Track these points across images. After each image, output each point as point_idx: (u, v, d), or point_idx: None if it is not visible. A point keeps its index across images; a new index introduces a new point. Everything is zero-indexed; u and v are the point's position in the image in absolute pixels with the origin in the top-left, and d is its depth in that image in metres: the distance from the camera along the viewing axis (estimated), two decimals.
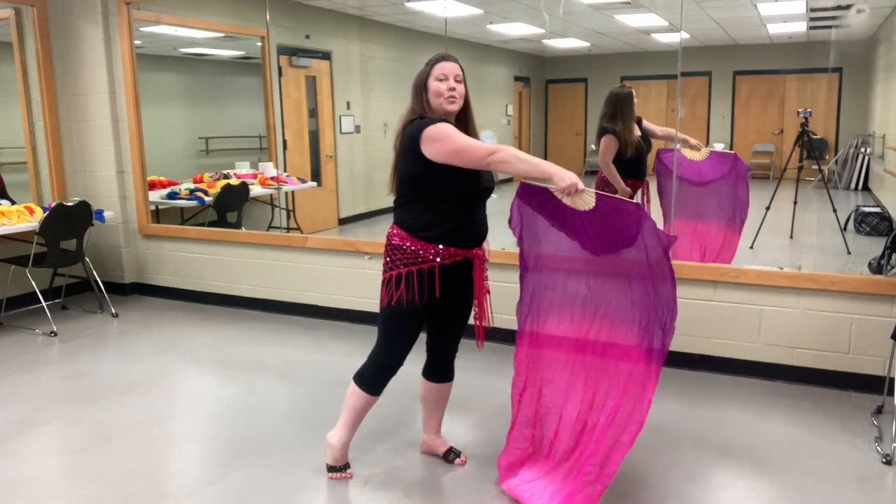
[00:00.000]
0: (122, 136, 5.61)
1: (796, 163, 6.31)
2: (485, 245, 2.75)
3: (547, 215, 2.62)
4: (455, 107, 2.62)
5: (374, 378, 2.77)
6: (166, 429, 3.39)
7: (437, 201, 2.59)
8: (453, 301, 2.74)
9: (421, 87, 2.63)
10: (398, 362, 2.75)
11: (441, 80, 2.59)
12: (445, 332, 2.84)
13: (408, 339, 2.72)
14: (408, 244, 2.62)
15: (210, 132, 7.33)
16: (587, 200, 2.47)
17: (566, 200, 2.51)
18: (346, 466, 2.89)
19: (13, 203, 5.20)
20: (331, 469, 2.89)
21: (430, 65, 2.63)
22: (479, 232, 2.69)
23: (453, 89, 2.59)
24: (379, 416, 3.30)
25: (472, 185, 2.58)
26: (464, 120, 2.69)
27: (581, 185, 2.41)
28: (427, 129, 2.50)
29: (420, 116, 2.59)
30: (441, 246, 2.60)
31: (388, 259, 2.68)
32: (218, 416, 3.51)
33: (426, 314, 2.71)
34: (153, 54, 6.85)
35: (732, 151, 4.64)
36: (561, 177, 2.40)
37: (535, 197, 2.61)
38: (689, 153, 4.51)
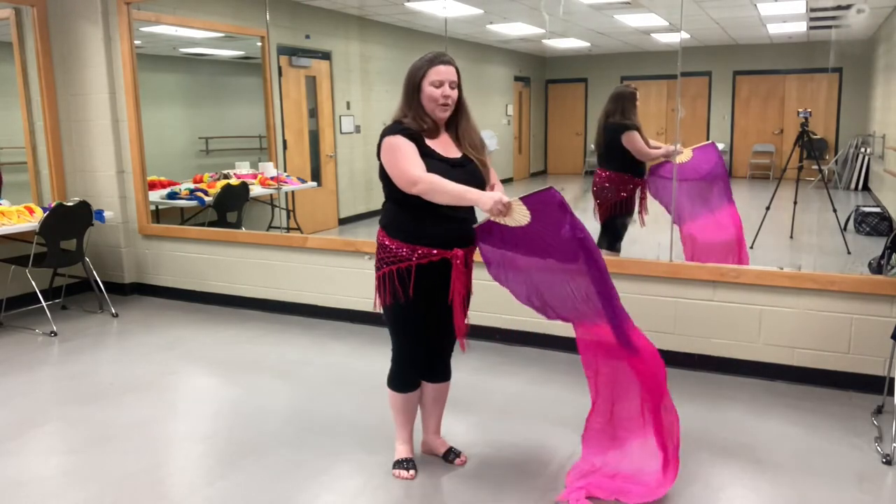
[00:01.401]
0: (122, 136, 5.61)
1: (796, 163, 6.31)
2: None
3: (512, 247, 2.61)
4: (447, 114, 2.63)
5: (393, 375, 2.85)
6: (166, 429, 3.39)
7: (410, 203, 2.58)
8: (443, 300, 2.70)
9: (415, 88, 2.61)
10: (409, 356, 2.79)
11: (437, 87, 2.58)
12: (439, 332, 2.83)
13: (408, 335, 2.76)
14: (387, 243, 2.66)
15: (210, 132, 7.33)
16: (524, 212, 2.46)
17: (508, 222, 2.50)
18: (408, 465, 2.89)
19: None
20: (393, 465, 2.92)
21: (427, 65, 2.59)
22: (458, 233, 2.63)
23: (448, 97, 2.59)
24: (379, 415, 3.30)
25: None
26: (453, 123, 2.69)
27: (506, 199, 2.43)
28: (385, 138, 2.57)
29: (400, 119, 2.62)
30: (416, 246, 2.60)
31: (377, 259, 2.72)
32: (218, 416, 3.51)
33: (419, 311, 2.70)
34: (153, 54, 6.85)
35: (709, 142, 4.68)
36: (483, 202, 2.42)
37: (491, 236, 2.61)
38: (676, 159, 4.56)
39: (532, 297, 2.73)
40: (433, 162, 2.57)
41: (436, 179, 2.48)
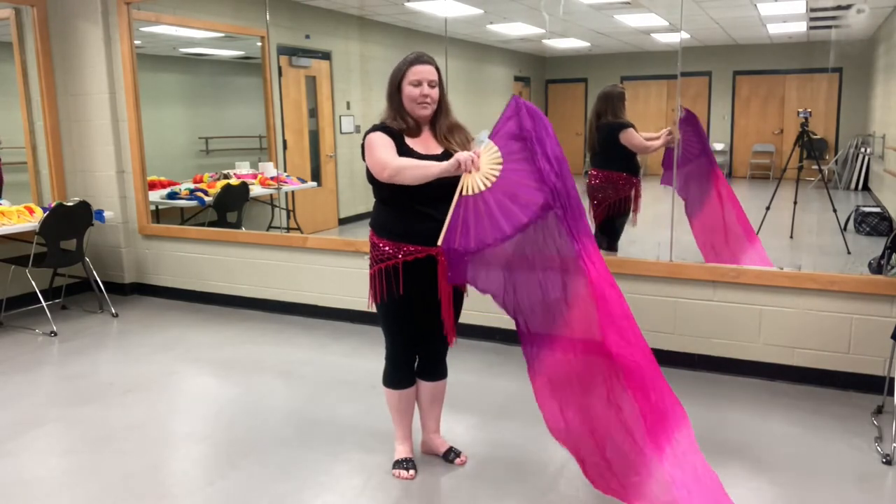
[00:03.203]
0: (122, 136, 5.61)
1: (796, 163, 6.30)
2: None
3: (478, 246, 2.54)
4: (427, 112, 2.66)
5: (387, 372, 2.88)
6: (166, 429, 3.39)
7: (393, 201, 2.65)
8: (433, 298, 2.70)
9: (395, 89, 2.68)
10: (401, 354, 2.83)
11: (415, 86, 2.63)
12: (432, 330, 2.82)
13: (399, 333, 2.79)
14: (375, 241, 2.71)
15: (210, 132, 7.33)
16: (494, 157, 2.47)
17: (478, 180, 2.46)
18: (408, 465, 2.89)
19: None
20: (393, 465, 2.93)
21: (406, 66, 2.66)
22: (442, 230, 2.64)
23: (426, 95, 2.63)
24: (378, 415, 3.30)
25: (425, 185, 2.55)
26: (434, 123, 2.73)
27: (475, 150, 2.46)
28: (366, 137, 2.64)
29: (384, 121, 2.68)
30: (401, 243, 2.64)
31: (369, 258, 2.77)
32: (218, 416, 3.51)
33: (408, 308, 2.72)
34: (153, 54, 6.85)
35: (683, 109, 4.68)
36: (448, 167, 2.45)
37: (463, 255, 2.55)
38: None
39: (507, 294, 2.61)
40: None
41: (403, 161, 2.54)
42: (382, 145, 2.60)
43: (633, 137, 4.60)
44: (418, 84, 2.63)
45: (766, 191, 6.31)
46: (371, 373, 3.80)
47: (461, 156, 2.47)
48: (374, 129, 2.67)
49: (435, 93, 2.66)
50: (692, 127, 4.60)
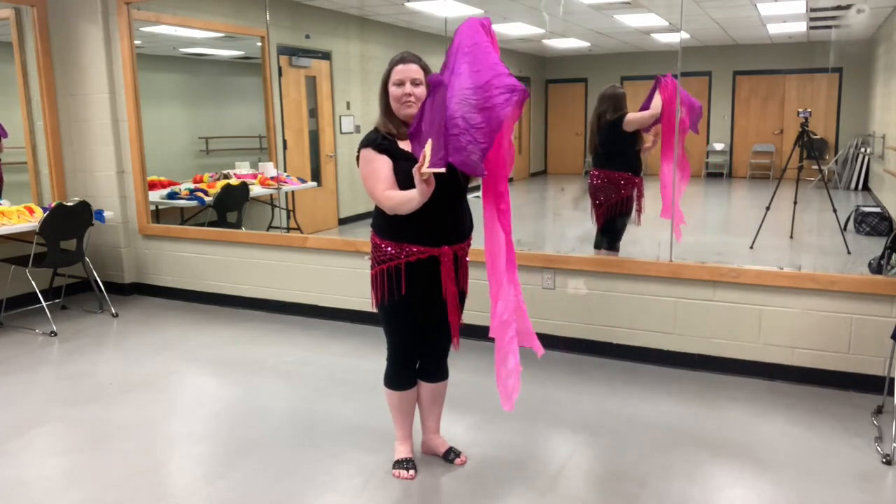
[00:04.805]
0: (122, 136, 5.61)
1: (796, 163, 6.31)
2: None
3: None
4: (412, 111, 2.62)
5: (388, 373, 2.87)
6: (166, 429, 3.39)
7: None
8: (435, 299, 2.71)
9: (383, 91, 2.66)
10: (402, 355, 2.81)
11: (398, 85, 2.61)
12: (433, 331, 2.82)
13: (400, 333, 2.78)
14: (377, 242, 2.70)
15: (210, 132, 7.33)
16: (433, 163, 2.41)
17: (432, 162, 2.39)
18: (408, 465, 2.89)
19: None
20: (393, 465, 2.93)
21: (390, 67, 2.64)
22: (446, 230, 2.65)
23: (410, 94, 2.60)
24: (379, 415, 3.30)
25: None
26: None
27: (421, 168, 2.36)
28: (361, 149, 2.64)
29: (378, 127, 2.66)
30: (404, 244, 2.63)
31: (371, 259, 2.76)
32: (218, 416, 3.51)
33: (411, 309, 2.72)
34: (153, 54, 6.85)
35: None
36: (417, 189, 2.41)
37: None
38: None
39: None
40: (403, 163, 2.57)
41: (395, 199, 2.53)
42: (377, 172, 2.57)
43: (636, 118, 4.63)
44: (401, 83, 2.60)
45: (766, 191, 6.32)
46: (371, 373, 3.80)
47: (418, 172, 2.36)
48: (367, 142, 2.64)
49: (420, 91, 2.61)
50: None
